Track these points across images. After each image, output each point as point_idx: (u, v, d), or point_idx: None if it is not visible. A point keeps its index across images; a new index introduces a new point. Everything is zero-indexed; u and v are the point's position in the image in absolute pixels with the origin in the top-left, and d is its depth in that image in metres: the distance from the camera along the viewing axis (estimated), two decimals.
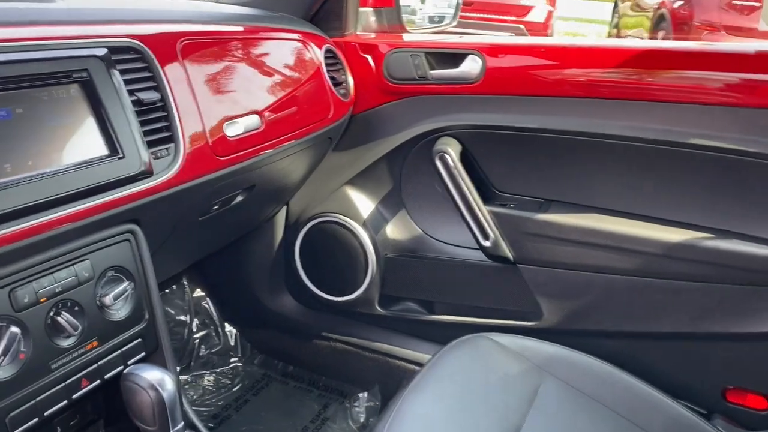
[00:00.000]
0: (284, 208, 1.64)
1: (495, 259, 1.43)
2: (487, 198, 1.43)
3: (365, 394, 1.59)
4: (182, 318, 1.72)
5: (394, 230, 1.56)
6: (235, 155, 1.05)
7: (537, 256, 1.39)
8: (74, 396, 0.82)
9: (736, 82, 1.19)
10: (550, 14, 7.53)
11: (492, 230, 1.40)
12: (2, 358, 0.73)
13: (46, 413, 0.79)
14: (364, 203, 1.56)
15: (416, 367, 1.54)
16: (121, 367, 0.88)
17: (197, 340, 1.72)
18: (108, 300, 0.86)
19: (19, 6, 0.82)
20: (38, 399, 0.78)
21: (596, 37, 9.50)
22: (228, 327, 1.78)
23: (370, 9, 1.56)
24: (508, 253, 1.41)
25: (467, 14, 6.91)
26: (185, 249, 1.28)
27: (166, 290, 1.70)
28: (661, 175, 1.30)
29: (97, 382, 0.85)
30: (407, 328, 1.58)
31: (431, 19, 2.08)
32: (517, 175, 1.44)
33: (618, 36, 8.32)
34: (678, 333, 1.29)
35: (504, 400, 1.05)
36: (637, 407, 1.08)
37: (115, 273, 0.88)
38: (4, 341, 0.73)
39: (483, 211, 1.40)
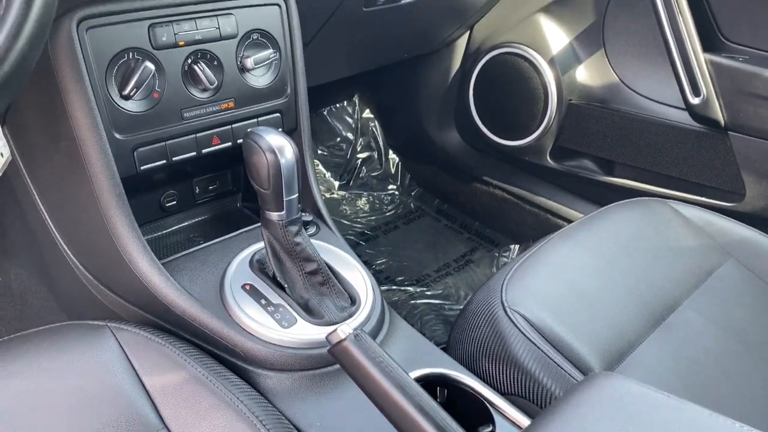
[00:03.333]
0: (467, 35, 1.49)
1: (701, 120, 1.19)
2: (710, 46, 1.17)
3: (516, 247, 1.49)
4: (348, 135, 1.70)
5: (585, 73, 1.36)
6: None
7: (758, 125, 1.13)
8: (204, 151, 0.82)
9: None
10: None
11: (706, 85, 1.15)
12: (135, 90, 0.73)
13: (174, 158, 0.79)
14: (556, 36, 1.36)
15: None
16: None
17: (359, 161, 1.71)
18: (249, 63, 0.82)
19: None
20: (168, 143, 0.78)
21: None
22: (391, 154, 1.75)
23: None
24: (719, 115, 1.16)
25: None
26: (350, 47, 1.21)
27: (337, 104, 1.69)
28: None
29: (229, 144, 0.84)
30: (578, 186, 1.42)
31: None
32: (759, 23, 1.14)
33: None
34: None
35: (669, 271, 0.88)
36: None
37: (260, 38, 0.83)
38: (138, 75, 0.72)
39: (700, 59, 1.15)
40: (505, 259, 1.49)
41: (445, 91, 1.57)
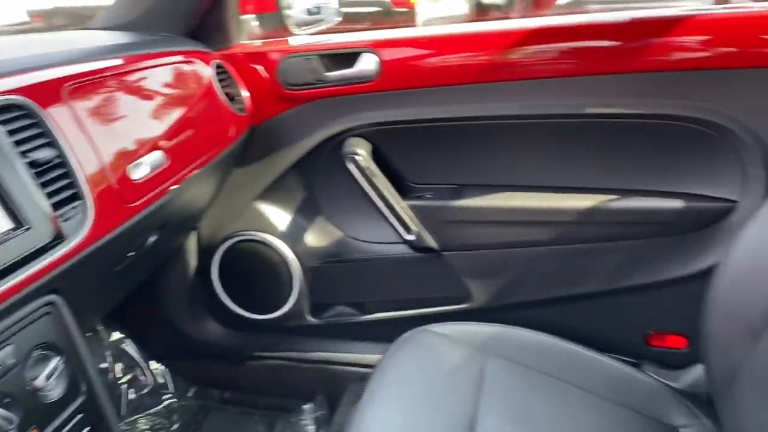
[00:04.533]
0: (193, 233, 1.56)
1: (420, 250, 1.45)
2: (404, 192, 1.44)
3: (311, 406, 1.58)
4: (103, 365, 1.61)
5: (314, 238, 1.53)
6: (145, 198, 0.99)
7: (460, 242, 1.42)
8: None
9: (618, 48, 1.25)
10: None
11: (414, 223, 1.41)
12: None
13: None
14: (278, 216, 1.52)
15: (359, 369, 1.55)
16: None
17: (124, 385, 1.62)
18: (40, 382, 0.79)
19: None
20: None
21: (456, 3, 9.73)
22: (154, 365, 1.69)
23: (252, 16, 1.51)
24: (432, 242, 1.43)
25: None
26: (103, 301, 1.19)
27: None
28: (563, 146, 1.36)
29: None
30: (343, 332, 1.57)
31: (309, 12, 2.02)
32: (430, 165, 1.46)
33: (478, 3, 8.63)
34: (599, 291, 1.37)
35: (455, 390, 1.07)
36: (578, 370, 1.14)
37: (42, 351, 0.81)
38: None
39: (402, 205, 1.41)
40: (305, 421, 1.56)
41: (189, 289, 1.60)
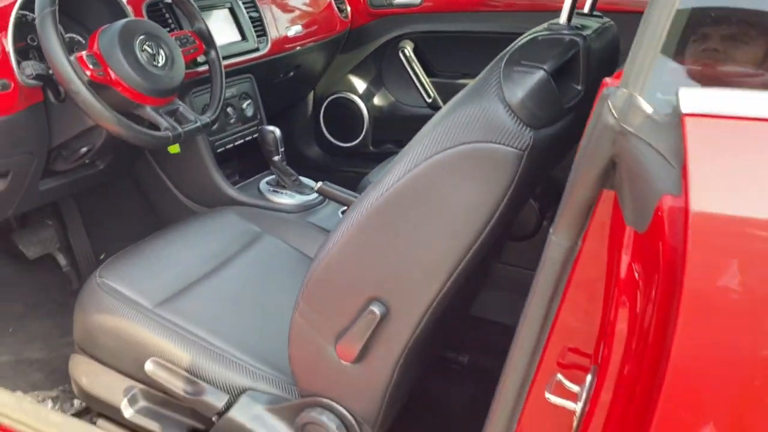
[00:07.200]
0: (312, 91, 2.70)
1: (436, 109, 2.48)
2: (431, 74, 2.49)
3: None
4: None
5: (379, 100, 2.62)
6: (292, 44, 2.12)
7: None
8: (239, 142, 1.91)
9: None
10: None
11: (433, 92, 2.46)
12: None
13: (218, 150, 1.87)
14: (360, 84, 2.62)
15: None
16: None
17: None
18: (244, 105, 1.94)
19: None
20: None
21: None
22: None
23: None
24: (442, 105, 2.46)
25: None
26: (270, 99, 2.35)
27: None
28: None
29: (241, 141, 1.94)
30: (388, 157, 2.65)
31: None
32: (446, 59, 2.49)
33: None
34: None
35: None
36: None
37: (244, 95, 1.96)
38: None
39: (428, 81, 2.46)
40: None
41: (306, 124, 2.75)
